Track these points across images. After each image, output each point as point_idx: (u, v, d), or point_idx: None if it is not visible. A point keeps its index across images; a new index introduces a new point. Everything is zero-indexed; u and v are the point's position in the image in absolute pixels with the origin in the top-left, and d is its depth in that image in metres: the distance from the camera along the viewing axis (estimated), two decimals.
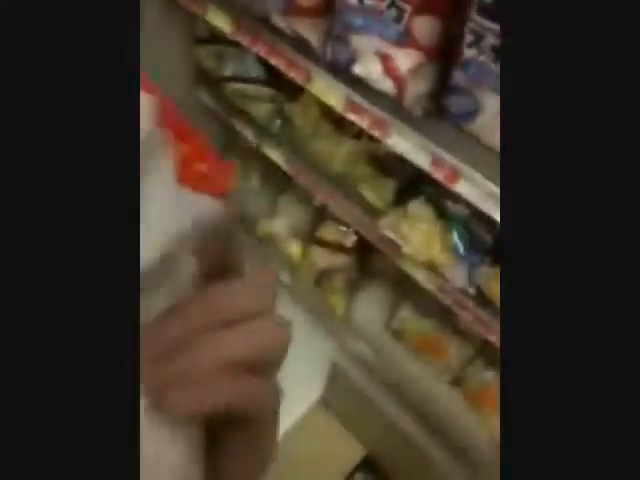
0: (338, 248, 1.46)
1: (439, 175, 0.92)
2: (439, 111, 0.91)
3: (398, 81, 0.88)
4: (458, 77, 0.84)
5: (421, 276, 1.18)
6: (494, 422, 1.29)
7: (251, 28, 1.11)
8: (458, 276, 1.13)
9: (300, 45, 1.02)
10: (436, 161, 0.92)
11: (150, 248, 0.23)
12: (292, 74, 1.08)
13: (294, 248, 1.53)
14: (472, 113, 0.86)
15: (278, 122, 1.39)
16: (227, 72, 1.40)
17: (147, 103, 0.23)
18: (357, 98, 0.99)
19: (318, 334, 1.60)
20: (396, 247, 1.17)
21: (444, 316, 1.28)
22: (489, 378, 1.30)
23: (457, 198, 1.04)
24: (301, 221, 1.52)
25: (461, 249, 1.12)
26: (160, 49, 1.42)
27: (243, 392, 0.25)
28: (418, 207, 1.17)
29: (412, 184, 1.20)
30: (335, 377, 1.49)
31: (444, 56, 0.87)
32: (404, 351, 1.42)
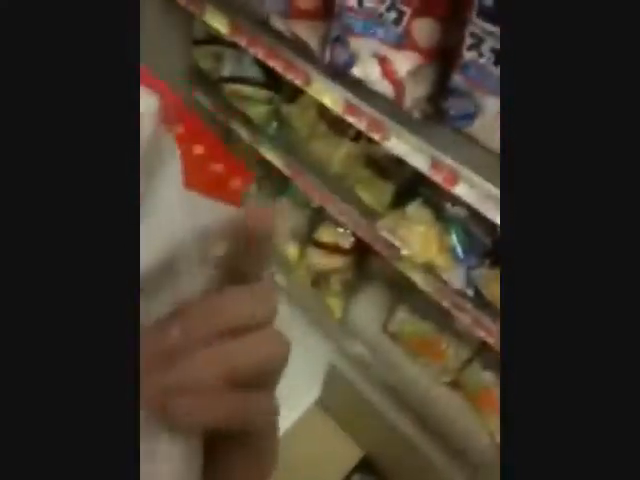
0: (336, 250, 1.45)
1: (438, 178, 0.92)
2: (438, 114, 0.91)
3: (397, 84, 0.88)
4: (457, 80, 0.84)
5: (419, 278, 1.18)
6: (492, 423, 1.30)
7: (249, 30, 1.11)
8: (456, 278, 1.13)
9: (298, 47, 1.02)
10: (435, 164, 0.92)
11: (154, 251, 0.22)
12: (290, 76, 1.08)
13: (291, 250, 1.53)
14: (471, 115, 0.86)
15: (275, 124, 1.39)
16: (225, 73, 1.40)
17: (152, 104, 0.22)
18: (356, 100, 0.99)
19: (316, 336, 1.60)
20: (394, 249, 1.17)
21: (442, 318, 1.28)
22: (487, 380, 1.30)
23: (455, 200, 1.04)
24: (298, 223, 1.52)
25: (459, 251, 1.12)
26: (158, 49, 1.41)
27: (243, 406, 0.24)
28: (416, 209, 1.17)
29: (410, 186, 1.20)
30: (333, 379, 1.48)
31: (443, 59, 0.87)
32: (402, 353, 1.42)
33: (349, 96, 0.99)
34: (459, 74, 0.82)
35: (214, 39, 1.42)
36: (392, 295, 1.47)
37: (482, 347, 1.28)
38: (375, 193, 1.24)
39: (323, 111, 1.24)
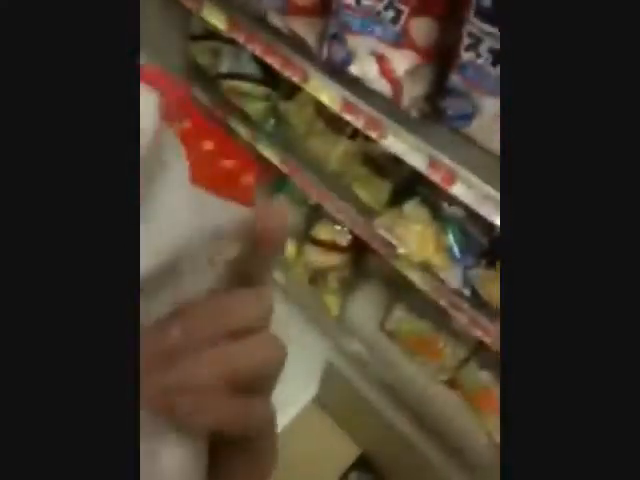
0: (333, 247, 1.45)
1: (436, 177, 0.92)
2: (436, 113, 0.90)
3: (394, 82, 0.88)
4: (455, 80, 0.83)
5: (416, 277, 1.18)
6: (489, 422, 1.30)
7: (247, 26, 1.10)
8: (453, 278, 1.13)
9: (296, 44, 1.01)
10: (433, 163, 0.91)
11: (155, 252, 0.22)
12: (288, 73, 1.07)
13: (289, 247, 1.52)
14: (469, 116, 0.86)
15: (272, 121, 1.39)
16: (222, 69, 1.39)
17: (152, 102, 0.21)
18: (353, 98, 0.98)
19: (313, 333, 1.60)
20: (391, 247, 1.17)
21: (439, 317, 1.28)
22: (484, 379, 1.30)
23: (453, 200, 1.03)
24: (296, 220, 1.51)
25: (456, 251, 1.12)
26: (155, 44, 1.40)
27: (244, 410, 0.24)
28: (413, 208, 1.16)
29: (408, 185, 1.20)
30: (330, 377, 1.49)
31: (441, 58, 0.86)
32: (399, 351, 1.42)
33: (347, 94, 0.99)
34: (457, 74, 0.82)
35: (212, 35, 1.41)
36: (389, 293, 1.47)
37: (479, 346, 1.28)
38: (372, 191, 1.24)
39: (320, 108, 1.23)
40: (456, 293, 1.13)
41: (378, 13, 0.83)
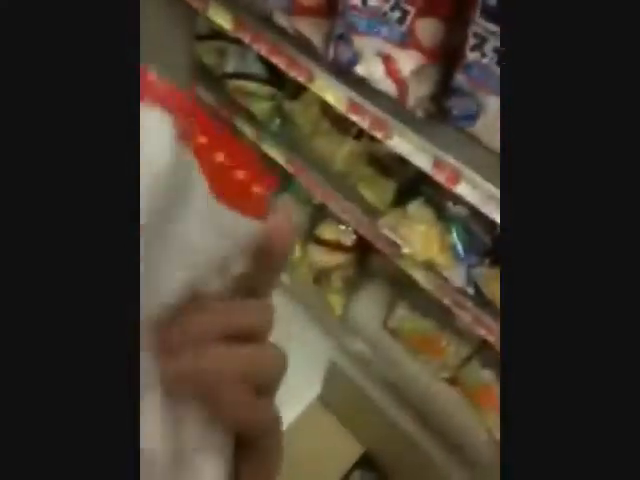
0: (337, 247, 1.46)
1: (440, 177, 0.92)
2: (441, 113, 0.91)
3: (400, 83, 0.88)
4: (460, 79, 0.84)
5: (420, 276, 1.19)
6: (491, 420, 1.30)
7: (252, 26, 1.11)
8: (457, 276, 1.13)
9: (302, 44, 1.02)
10: (437, 163, 0.92)
11: (184, 268, 0.22)
12: (293, 73, 1.08)
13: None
14: (474, 115, 0.87)
15: (278, 120, 1.39)
16: (228, 69, 1.39)
17: (167, 129, 0.21)
18: (359, 99, 0.99)
19: (317, 333, 1.61)
20: (395, 247, 1.17)
21: (442, 315, 1.29)
22: (486, 377, 1.30)
23: (457, 199, 1.04)
24: (300, 220, 1.52)
25: (460, 250, 1.13)
26: (160, 44, 1.41)
27: (250, 407, 0.25)
28: (418, 208, 1.17)
29: (412, 185, 1.20)
30: (333, 375, 1.49)
31: (447, 58, 0.87)
32: (402, 350, 1.42)
33: (352, 94, 0.99)
34: (462, 74, 0.82)
35: (217, 34, 1.41)
36: (393, 292, 1.48)
37: (482, 345, 1.29)
38: (377, 191, 1.24)
39: (326, 108, 1.24)
40: (460, 292, 1.14)
41: (384, 14, 0.84)
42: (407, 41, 0.85)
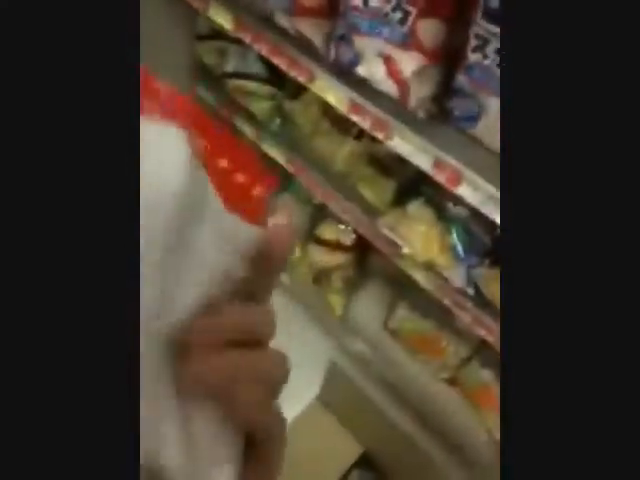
0: (337, 247, 1.46)
1: (441, 178, 0.92)
2: (442, 114, 0.91)
3: (401, 84, 0.88)
4: (461, 80, 0.84)
5: (420, 276, 1.19)
6: (491, 420, 1.30)
7: (253, 26, 1.11)
8: (457, 277, 1.13)
9: (303, 45, 1.02)
10: (438, 164, 0.92)
11: (199, 284, 0.23)
12: (294, 73, 1.08)
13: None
14: (475, 117, 0.87)
15: (278, 120, 1.39)
16: (228, 69, 1.39)
17: (183, 147, 0.21)
18: (360, 99, 0.99)
19: (317, 333, 1.61)
20: (395, 247, 1.17)
21: (442, 315, 1.29)
22: (485, 377, 1.30)
23: (457, 200, 1.04)
24: (300, 219, 1.52)
25: (460, 250, 1.13)
26: (160, 44, 1.41)
27: (262, 407, 0.25)
28: (418, 208, 1.17)
29: (412, 185, 1.20)
30: (333, 375, 1.49)
31: (448, 59, 0.87)
32: (402, 350, 1.42)
33: (353, 95, 0.99)
34: (463, 75, 0.82)
35: (218, 34, 1.41)
36: (393, 293, 1.48)
37: (481, 345, 1.29)
38: (377, 191, 1.24)
39: (326, 108, 1.24)
40: (460, 292, 1.14)
41: (386, 14, 0.84)
42: (408, 42, 0.85)
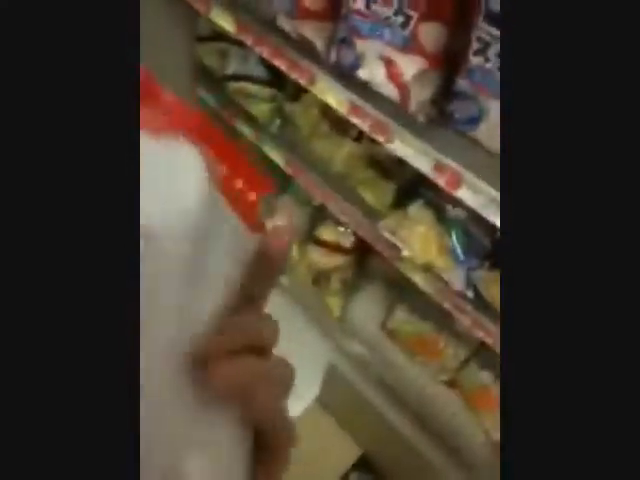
0: (336, 248, 1.46)
1: (441, 181, 0.93)
2: (443, 117, 0.91)
3: (402, 87, 0.89)
4: (462, 83, 0.84)
5: (419, 279, 1.19)
6: (489, 422, 1.31)
7: (255, 29, 1.11)
8: (456, 279, 1.13)
9: (304, 47, 1.02)
10: (438, 166, 0.92)
11: (215, 299, 0.23)
12: (295, 76, 1.08)
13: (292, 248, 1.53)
14: (476, 119, 0.87)
15: (278, 122, 1.39)
16: (229, 70, 1.40)
17: (196, 154, 0.22)
18: (360, 102, 0.99)
19: (315, 334, 1.61)
20: (395, 249, 1.17)
21: (440, 317, 1.29)
22: (484, 379, 1.31)
23: (457, 202, 1.04)
24: (300, 220, 1.52)
25: (459, 252, 1.13)
26: (161, 45, 1.41)
27: (277, 408, 0.26)
28: (418, 210, 1.17)
29: (412, 187, 1.21)
30: (332, 377, 1.49)
31: (449, 63, 0.87)
32: (400, 352, 1.43)
33: (354, 97, 1.00)
34: (465, 78, 0.83)
35: (219, 36, 1.42)
36: (391, 295, 1.48)
37: (480, 347, 1.29)
38: (377, 193, 1.25)
39: (326, 110, 1.24)
40: (459, 295, 1.14)
41: (387, 18, 0.84)
42: (410, 45, 0.85)
